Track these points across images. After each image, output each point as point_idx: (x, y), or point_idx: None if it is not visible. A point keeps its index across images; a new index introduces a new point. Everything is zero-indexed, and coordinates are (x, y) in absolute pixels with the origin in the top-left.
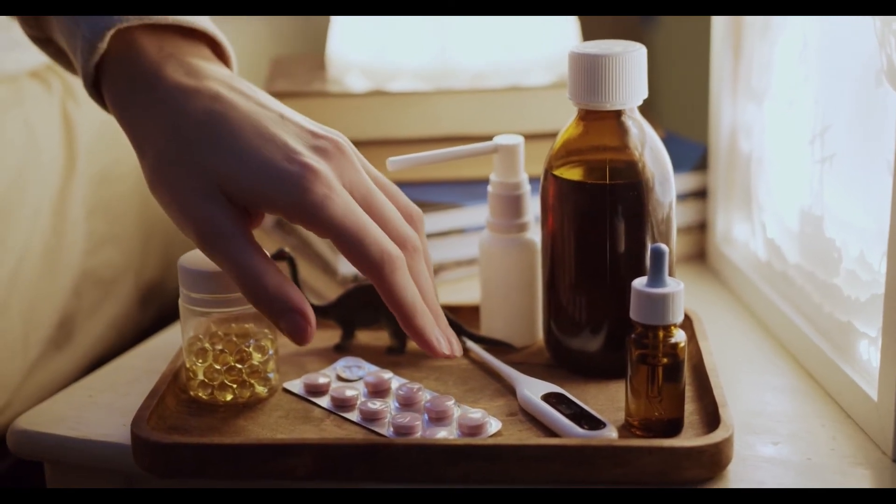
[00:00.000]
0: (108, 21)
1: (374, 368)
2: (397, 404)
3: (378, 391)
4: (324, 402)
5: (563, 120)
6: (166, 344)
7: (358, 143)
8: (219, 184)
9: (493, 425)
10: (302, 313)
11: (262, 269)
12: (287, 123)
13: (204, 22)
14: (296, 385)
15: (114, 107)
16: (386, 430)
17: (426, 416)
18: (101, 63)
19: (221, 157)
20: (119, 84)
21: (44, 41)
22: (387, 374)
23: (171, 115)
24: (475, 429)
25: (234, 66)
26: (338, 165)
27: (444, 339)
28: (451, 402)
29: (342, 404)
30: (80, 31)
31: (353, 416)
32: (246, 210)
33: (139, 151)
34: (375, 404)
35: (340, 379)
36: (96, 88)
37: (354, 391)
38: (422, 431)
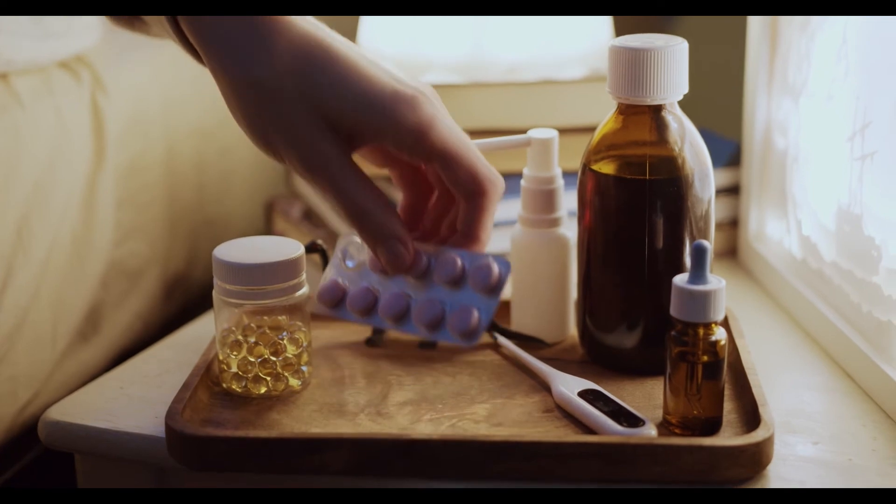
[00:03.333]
0: None
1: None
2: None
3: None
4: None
5: (597, 114)
6: (194, 336)
7: None
8: (323, 112)
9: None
10: (402, 240)
11: (365, 195)
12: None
13: None
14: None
15: (195, 31)
16: (415, 325)
17: (440, 286)
18: None
19: (326, 86)
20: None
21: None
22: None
23: (266, 37)
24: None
25: None
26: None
27: None
28: (456, 258)
29: (364, 311)
30: None
31: (379, 319)
32: (349, 138)
33: (224, 73)
34: (394, 295)
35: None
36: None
37: (366, 281)
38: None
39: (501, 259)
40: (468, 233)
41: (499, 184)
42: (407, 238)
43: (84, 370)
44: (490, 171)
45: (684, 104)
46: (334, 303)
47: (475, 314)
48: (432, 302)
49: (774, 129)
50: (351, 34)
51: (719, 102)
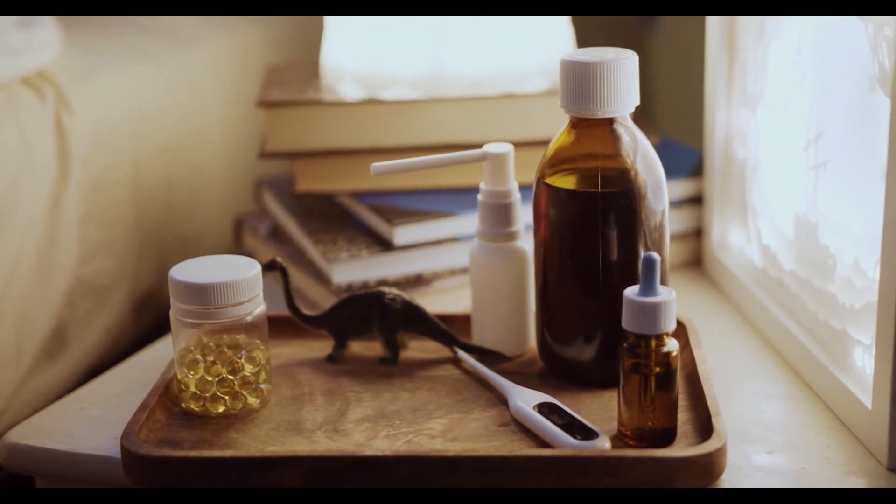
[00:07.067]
0: None
1: None
2: None
3: None
4: None
5: (558, 127)
6: (161, 355)
7: (351, 152)
8: None
9: None
10: None
11: None
12: None
13: None
14: None
15: None
16: None
17: None
18: None
19: None
20: None
21: None
22: None
23: None
24: None
25: None
26: None
27: None
28: None
29: None
30: None
31: None
32: None
33: None
34: None
35: None
36: None
37: None
38: None
39: None
40: None
41: None
42: None
43: (51, 388)
44: None
45: (652, 114)
46: None
47: None
48: None
49: (734, 139)
50: (314, 51)
51: (684, 112)
